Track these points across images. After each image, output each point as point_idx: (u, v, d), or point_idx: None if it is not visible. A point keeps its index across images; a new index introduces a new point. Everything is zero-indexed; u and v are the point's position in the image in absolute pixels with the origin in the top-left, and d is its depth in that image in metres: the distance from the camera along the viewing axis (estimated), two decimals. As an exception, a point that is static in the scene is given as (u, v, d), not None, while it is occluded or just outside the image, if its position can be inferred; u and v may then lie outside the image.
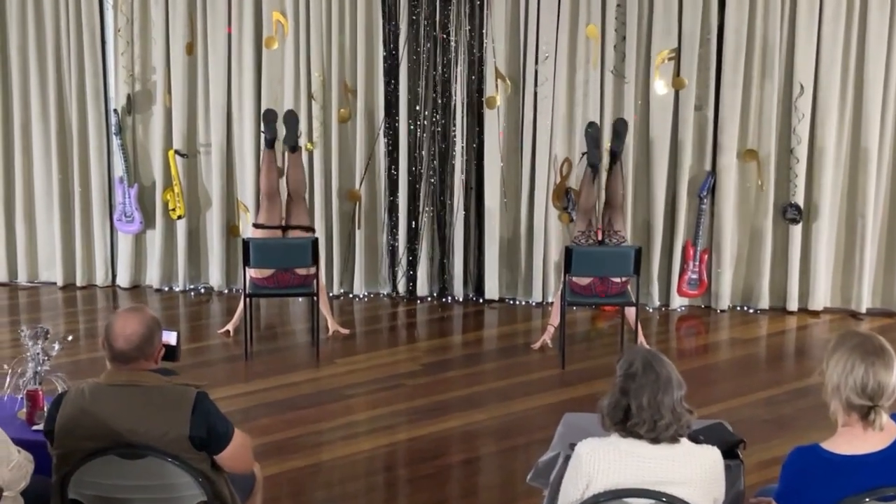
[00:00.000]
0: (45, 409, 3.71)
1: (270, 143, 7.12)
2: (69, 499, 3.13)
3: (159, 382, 3.14)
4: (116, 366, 3.16)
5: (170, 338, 3.49)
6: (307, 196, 7.56)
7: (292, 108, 7.66)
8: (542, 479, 3.56)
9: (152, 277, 8.41)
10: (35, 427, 3.68)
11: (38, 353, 3.76)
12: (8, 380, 3.83)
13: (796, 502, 2.75)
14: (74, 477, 3.10)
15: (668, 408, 2.83)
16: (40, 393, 3.74)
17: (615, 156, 7.05)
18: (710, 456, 2.89)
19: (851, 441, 2.75)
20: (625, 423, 2.86)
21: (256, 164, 8.05)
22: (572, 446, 3.07)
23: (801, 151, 7.59)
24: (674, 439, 2.85)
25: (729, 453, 3.11)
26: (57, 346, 3.83)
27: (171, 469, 3.06)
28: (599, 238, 6.79)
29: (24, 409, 3.77)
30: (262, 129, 7.21)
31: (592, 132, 7.07)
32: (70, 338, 4.25)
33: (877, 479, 2.71)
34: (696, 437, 3.01)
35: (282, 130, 7.32)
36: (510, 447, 5.30)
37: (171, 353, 3.45)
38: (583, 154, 7.15)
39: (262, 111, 7.38)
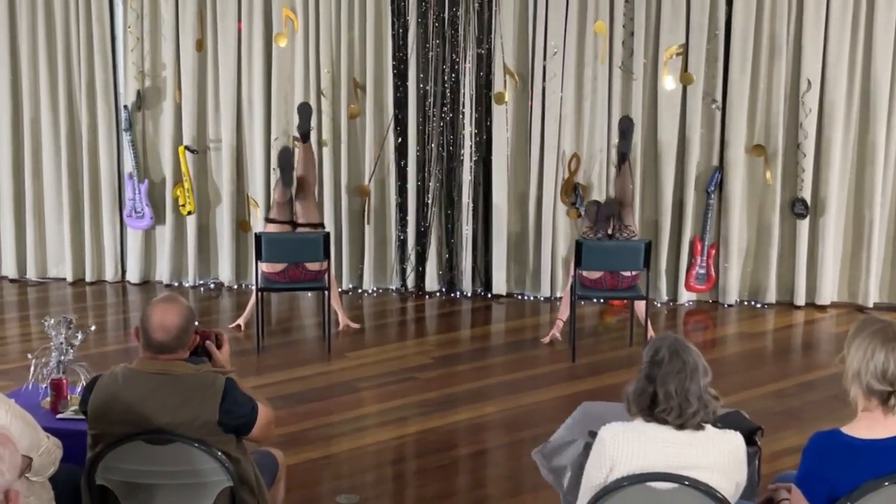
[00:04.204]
0: (69, 398, 3.76)
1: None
2: (96, 485, 3.16)
3: (189, 370, 3.17)
4: (151, 355, 3.19)
5: None
6: (316, 191, 7.61)
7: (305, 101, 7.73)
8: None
9: (162, 273, 8.45)
10: (59, 416, 3.72)
11: (61, 343, 3.78)
12: (32, 369, 3.86)
13: (816, 486, 2.77)
14: (102, 463, 3.13)
15: (695, 395, 2.84)
16: (64, 382, 3.77)
17: (623, 155, 7.08)
18: (733, 441, 2.91)
19: (871, 426, 2.77)
20: (651, 409, 2.88)
21: (266, 160, 8.10)
22: (592, 434, 3.10)
23: (809, 146, 7.63)
24: (699, 426, 2.87)
25: (746, 440, 3.12)
26: (80, 336, 3.86)
27: (197, 455, 3.09)
28: (609, 232, 6.83)
29: (49, 398, 3.80)
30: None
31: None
32: (93, 327, 4.27)
33: (896, 463, 2.74)
34: (714, 425, 3.03)
35: (294, 119, 7.41)
36: (520, 440, 5.32)
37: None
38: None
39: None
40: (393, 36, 7.91)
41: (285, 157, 7.10)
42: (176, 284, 8.41)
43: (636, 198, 7.70)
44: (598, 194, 7.79)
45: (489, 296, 8.13)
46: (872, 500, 2.73)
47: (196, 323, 3.38)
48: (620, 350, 6.80)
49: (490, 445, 5.34)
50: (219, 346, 3.43)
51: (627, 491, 2.86)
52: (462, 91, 7.92)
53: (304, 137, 7.31)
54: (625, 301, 7.27)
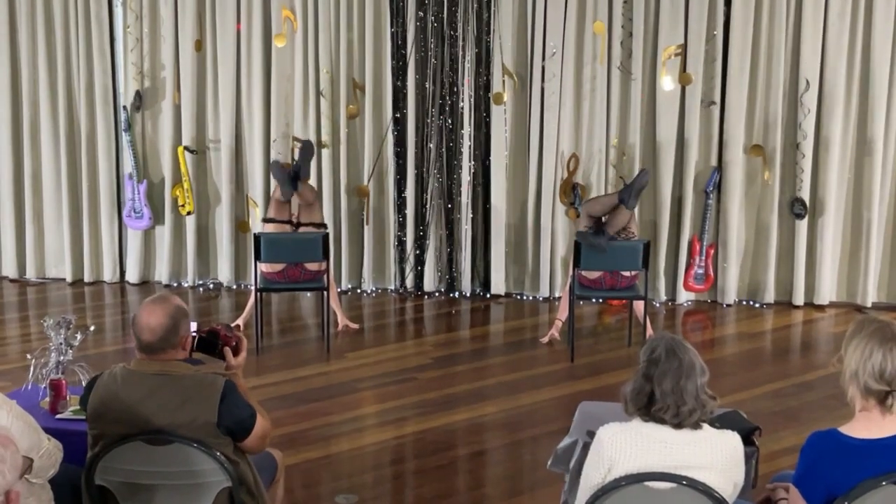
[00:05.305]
0: (68, 398, 3.76)
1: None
2: (95, 485, 3.17)
3: (188, 371, 3.18)
4: (145, 356, 3.20)
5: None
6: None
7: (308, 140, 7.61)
8: (562, 464, 3.60)
9: (161, 273, 8.46)
10: (58, 416, 3.72)
11: (60, 344, 3.78)
12: (31, 370, 3.86)
13: (814, 486, 2.78)
14: (101, 464, 3.14)
15: (691, 394, 2.86)
16: (63, 382, 3.77)
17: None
18: (731, 441, 2.92)
19: (869, 426, 2.77)
20: (648, 408, 2.89)
21: (265, 160, 8.11)
22: (590, 433, 3.10)
23: (807, 146, 7.64)
24: (696, 425, 2.88)
25: (744, 440, 3.13)
26: (79, 337, 3.86)
27: (196, 456, 3.10)
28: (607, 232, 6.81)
29: (48, 399, 3.80)
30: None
31: (642, 178, 6.74)
32: (92, 327, 4.26)
33: (894, 463, 2.74)
34: (712, 424, 3.04)
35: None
36: (519, 440, 5.33)
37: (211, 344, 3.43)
38: (627, 185, 6.81)
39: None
40: (392, 36, 7.91)
41: (276, 168, 7.05)
42: (175, 285, 8.42)
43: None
44: (597, 194, 7.78)
45: (488, 296, 8.14)
46: (870, 500, 2.74)
47: (218, 326, 3.38)
48: (619, 350, 6.80)
49: (489, 446, 5.34)
50: (237, 352, 3.42)
51: (625, 491, 2.86)
52: (461, 91, 7.92)
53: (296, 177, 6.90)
54: (623, 301, 7.28)
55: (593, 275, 6.52)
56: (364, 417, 5.61)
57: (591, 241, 6.42)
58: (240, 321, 7.18)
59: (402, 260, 8.19)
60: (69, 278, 8.50)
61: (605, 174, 7.85)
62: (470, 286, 8.16)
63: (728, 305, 7.90)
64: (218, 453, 3.12)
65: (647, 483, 2.85)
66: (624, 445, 2.86)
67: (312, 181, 8.01)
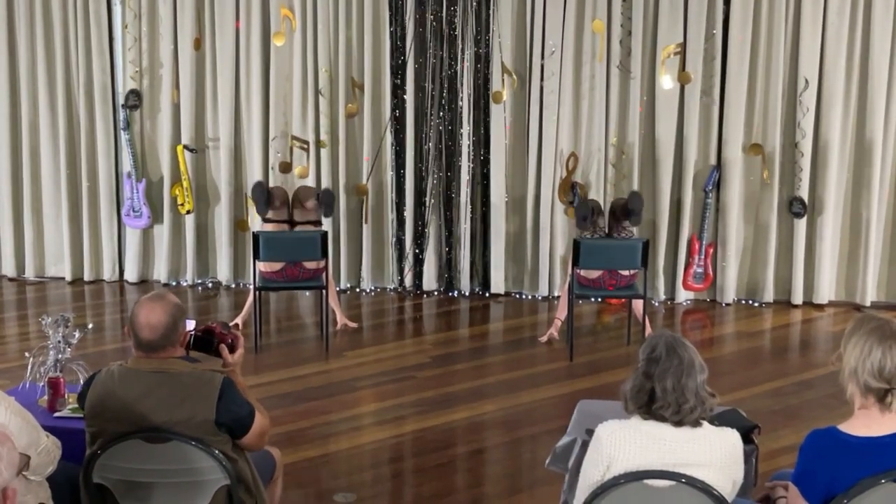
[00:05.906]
0: (66, 396, 3.75)
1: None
2: (94, 483, 3.16)
3: (186, 368, 3.17)
4: (143, 353, 3.18)
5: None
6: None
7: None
8: (561, 463, 3.60)
9: (160, 272, 8.46)
10: (57, 414, 3.71)
11: (59, 342, 3.78)
12: (29, 368, 3.85)
13: (813, 484, 2.78)
14: (99, 462, 3.13)
15: (691, 391, 2.85)
16: (62, 380, 3.76)
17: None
18: (730, 439, 2.91)
19: (868, 424, 2.77)
20: (649, 406, 2.88)
21: (265, 159, 8.11)
22: (589, 432, 3.10)
23: (806, 146, 7.64)
24: (696, 423, 2.88)
25: (743, 438, 3.13)
26: (77, 335, 3.85)
27: (195, 453, 3.09)
28: (607, 232, 6.82)
29: (46, 397, 3.79)
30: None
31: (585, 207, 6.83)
32: (91, 325, 4.26)
33: (893, 461, 2.74)
34: (711, 423, 3.04)
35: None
36: (518, 438, 5.33)
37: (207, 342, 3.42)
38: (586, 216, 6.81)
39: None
40: (391, 35, 7.91)
41: (258, 191, 7.10)
42: (174, 284, 8.42)
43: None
44: (596, 193, 7.80)
45: (487, 295, 8.14)
46: (869, 498, 2.74)
47: (214, 324, 3.37)
48: (618, 349, 6.80)
49: (488, 444, 5.34)
50: (233, 350, 3.40)
51: (624, 489, 2.86)
52: (460, 90, 7.92)
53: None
54: (622, 300, 7.27)
55: (592, 274, 6.51)
56: (363, 416, 5.61)
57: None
58: (238, 320, 7.18)
59: (400, 259, 8.18)
60: (68, 277, 8.50)
61: (605, 173, 7.85)
62: (469, 285, 8.16)
63: (727, 304, 7.90)
64: (216, 451, 3.11)
65: (646, 481, 2.85)
66: (623, 443, 2.86)
67: (311, 180, 8.02)
